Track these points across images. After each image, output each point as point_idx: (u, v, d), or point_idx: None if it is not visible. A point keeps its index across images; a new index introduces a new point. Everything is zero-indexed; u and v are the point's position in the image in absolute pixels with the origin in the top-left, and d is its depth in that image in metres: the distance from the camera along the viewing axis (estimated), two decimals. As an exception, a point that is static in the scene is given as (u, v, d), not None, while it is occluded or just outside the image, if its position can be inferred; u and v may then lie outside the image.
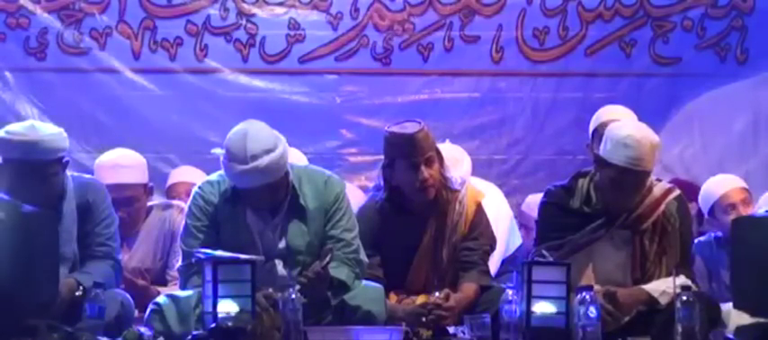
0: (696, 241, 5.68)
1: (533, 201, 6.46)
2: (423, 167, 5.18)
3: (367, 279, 5.06)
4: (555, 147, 7.24)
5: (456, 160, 5.82)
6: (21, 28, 7.04)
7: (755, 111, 7.23)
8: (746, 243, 4.61)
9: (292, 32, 7.16)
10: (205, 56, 7.13)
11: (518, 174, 7.24)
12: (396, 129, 5.25)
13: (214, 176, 5.08)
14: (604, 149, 5.08)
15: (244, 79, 7.14)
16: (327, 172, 5.22)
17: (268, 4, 7.16)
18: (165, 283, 5.65)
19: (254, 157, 4.79)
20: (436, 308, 5.00)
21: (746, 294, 4.61)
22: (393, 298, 5.16)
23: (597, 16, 7.25)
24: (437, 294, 5.03)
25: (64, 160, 4.98)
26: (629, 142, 5.00)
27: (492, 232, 5.42)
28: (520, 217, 6.50)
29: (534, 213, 6.20)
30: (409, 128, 5.22)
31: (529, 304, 4.54)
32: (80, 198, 5.02)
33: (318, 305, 4.78)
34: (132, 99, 7.07)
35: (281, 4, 7.17)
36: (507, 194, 6.62)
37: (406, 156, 5.19)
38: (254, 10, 7.15)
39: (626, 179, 5.04)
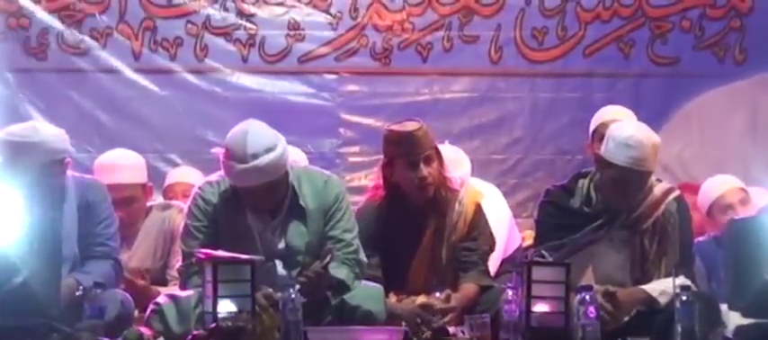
0: (695, 241, 5.68)
1: None
2: (421, 165, 5.19)
3: (366, 279, 5.07)
4: (554, 147, 7.24)
5: (455, 161, 5.81)
6: (21, 28, 7.05)
7: (754, 112, 7.23)
8: (740, 244, 4.62)
9: (292, 32, 7.16)
10: (205, 56, 7.13)
11: (517, 174, 7.24)
12: (395, 127, 5.27)
13: (214, 177, 5.09)
14: (606, 149, 5.08)
15: (244, 79, 7.14)
16: (327, 172, 5.24)
17: (268, 4, 7.16)
18: (164, 283, 5.64)
19: (255, 156, 4.81)
20: (441, 312, 5.00)
21: (740, 295, 4.62)
22: (393, 297, 5.17)
23: (596, 17, 7.25)
24: (437, 295, 5.05)
25: (65, 161, 4.99)
26: (631, 142, 5.00)
27: (491, 232, 5.42)
28: None
29: None
30: (408, 126, 5.24)
31: (528, 304, 4.55)
32: (80, 198, 5.03)
33: (318, 305, 4.79)
34: (132, 99, 7.07)
35: (280, 5, 7.17)
36: (506, 194, 6.59)
37: (404, 154, 5.20)
38: (254, 10, 7.15)
39: (628, 179, 5.04)
